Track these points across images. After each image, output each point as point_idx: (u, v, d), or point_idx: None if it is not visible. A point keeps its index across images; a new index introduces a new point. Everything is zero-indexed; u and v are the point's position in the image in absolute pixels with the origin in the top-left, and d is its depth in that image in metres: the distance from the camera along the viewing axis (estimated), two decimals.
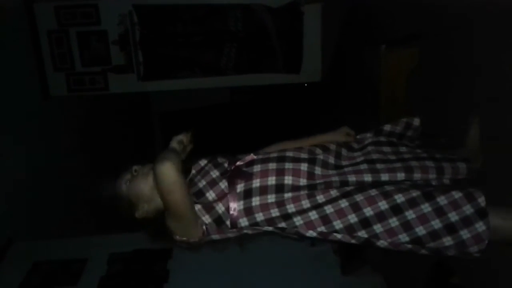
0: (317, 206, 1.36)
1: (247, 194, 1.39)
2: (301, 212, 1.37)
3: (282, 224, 1.39)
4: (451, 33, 2.29)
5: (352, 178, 1.40)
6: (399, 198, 1.33)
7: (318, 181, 1.39)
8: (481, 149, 1.79)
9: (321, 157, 1.47)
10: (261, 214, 1.38)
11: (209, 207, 1.39)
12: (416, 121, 1.62)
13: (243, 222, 1.39)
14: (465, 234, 1.29)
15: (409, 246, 1.34)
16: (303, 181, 1.39)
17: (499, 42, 1.90)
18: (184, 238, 1.39)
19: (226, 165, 1.47)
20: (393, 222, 1.32)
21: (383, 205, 1.33)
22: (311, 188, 1.39)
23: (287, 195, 1.38)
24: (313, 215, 1.36)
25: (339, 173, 1.42)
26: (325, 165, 1.44)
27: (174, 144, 1.47)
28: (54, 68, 3.91)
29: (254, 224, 1.40)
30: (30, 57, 3.78)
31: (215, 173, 1.45)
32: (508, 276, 1.88)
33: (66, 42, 3.87)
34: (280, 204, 1.38)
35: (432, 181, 1.45)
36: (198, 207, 1.39)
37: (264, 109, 6.60)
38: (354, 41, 3.87)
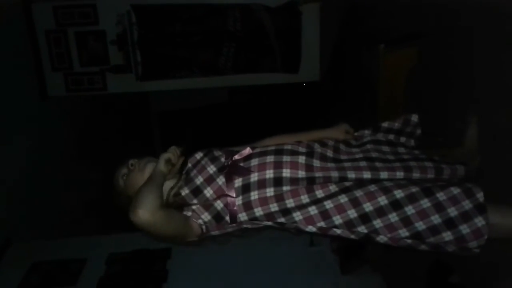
0: (316, 201, 1.36)
1: (245, 189, 1.38)
2: (301, 207, 1.36)
3: (282, 219, 1.38)
4: (449, 33, 2.29)
5: (351, 174, 1.40)
6: (399, 193, 1.33)
7: (316, 174, 1.39)
8: (479, 149, 1.79)
9: (319, 150, 1.47)
10: (260, 209, 1.37)
11: (207, 205, 1.39)
12: (414, 117, 1.62)
13: (242, 217, 1.39)
14: (464, 229, 1.30)
15: (409, 241, 1.34)
16: (301, 173, 1.39)
17: (498, 42, 1.91)
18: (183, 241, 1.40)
19: (223, 159, 1.46)
20: (393, 217, 1.32)
21: (382, 200, 1.33)
22: (310, 182, 1.38)
23: (286, 188, 1.37)
24: (313, 210, 1.36)
25: (338, 167, 1.41)
26: (323, 158, 1.44)
27: (161, 165, 1.40)
28: (52, 68, 3.90)
29: (253, 218, 1.39)
30: (28, 57, 3.77)
31: (212, 169, 1.43)
32: (508, 275, 1.89)
33: (64, 42, 3.86)
34: (279, 198, 1.37)
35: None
36: (195, 206, 1.39)
37: (263, 108, 6.59)
38: (352, 41, 3.87)
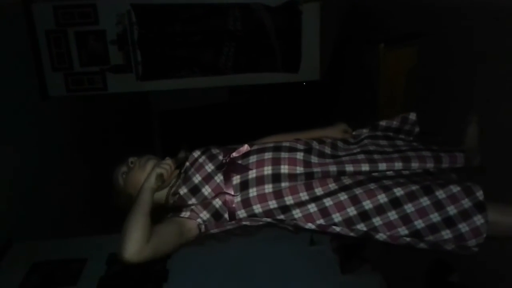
0: (315, 199, 1.36)
1: (244, 186, 1.38)
2: (300, 204, 1.36)
3: (281, 216, 1.38)
4: (449, 32, 2.29)
5: (349, 167, 1.39)
6: (398, 191, 1.33)
7: (315, 170, 1.38)
8: (479, 148, 1.79)
9: (317, 147, 1.46)
10: (259, 206, 1.37)
11: (205, 203, 1.38)
12: (413, 115, 1.62)
13: (241, 214, 1.39)
14: (463, 227, 1.30)
15: (408, 239, 1.34)
16: (299, 169, 1.38)
17: (497, 41, 1.91)
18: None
19: (220, 157, 1.45)
20: (392, 215, 1.32)
21: (382, 198, 1.33)
22: (308, 177, 1.38)
23: (284, 184, 1.37)
24: (312, 207, 1.35)
25: (336, 162, 1.41)
26: (321, 154, 1.44)
27: (151, 181, 1.35)
28: (53, 68, 3.90)
29: (252, 215, 1.39)
30: (28, 57, 3.77)
31: (210, 167, 1.43)
32: (507, 274, 1.89)
33: (64, 42, 3.86)
34: (277, 195, 1.37)
35: (430, 170, 1.45)
36: (193, 206, 1.38)
37: (263, 108, 6.59)
38: (352, 40, 3.87)
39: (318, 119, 5.25)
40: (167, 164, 1.40)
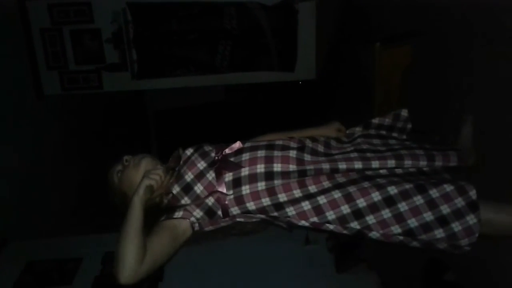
0: (309, 196, 1.36)
1: (236, 183, 1.37)
2: (293, 201, 1.36)
3: (274, 214, 1.38)
4: (445, 31, 2.29)
5: (342, 165, 1.39)
6: (392, 190, 1.33)
7: (307, 167, 1.38)
8: (474, 147, 1.80)
9: (310, 145, 1.46)
10: (252, 203, 1.36)
11: (198, 202, 1.38)
12: (404, 112, 1.62)
13: (235, 210, 1.38)
14: (456, 226, 1.30)
15: (401, 238, 1.34)
16: (292, 167, 1.38)
17: (494, 40, 1.91)
18: None
19: (213, 154, 1.44)
20: (386, 213, 1.32)
21: (376, 196, 1.33)
22: (301, 174, 1.38)
23: (277, 182, 1.36)
24: (306, 205, 1.35)
25: (329, 160, 1.41)
26: (314, 152, 1.44)
27: (139, 193, 1.29)
28: (48, 66, 3.89)
29: (245, 212, 1.39)
30: (24, 56, 3.76)
31: (202, 165, 1.41)
32: (502, 272, 1.90)
33: (59, 41, 3.85)
34: (271, 192, 1.36)
35: (423, 168, 1.46)
36: (187, 204, 1.38)
37: (259, 107, 6.59)
38: (348, 39, 3.87)
39: (314, 118, 5.26)
40: (157, 174, 1.34)
